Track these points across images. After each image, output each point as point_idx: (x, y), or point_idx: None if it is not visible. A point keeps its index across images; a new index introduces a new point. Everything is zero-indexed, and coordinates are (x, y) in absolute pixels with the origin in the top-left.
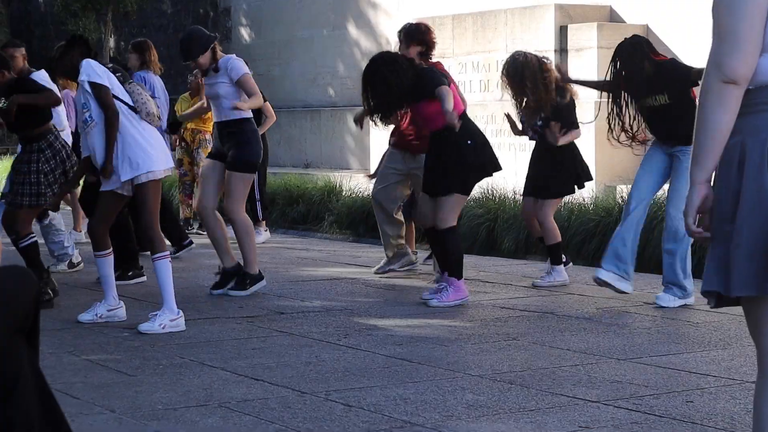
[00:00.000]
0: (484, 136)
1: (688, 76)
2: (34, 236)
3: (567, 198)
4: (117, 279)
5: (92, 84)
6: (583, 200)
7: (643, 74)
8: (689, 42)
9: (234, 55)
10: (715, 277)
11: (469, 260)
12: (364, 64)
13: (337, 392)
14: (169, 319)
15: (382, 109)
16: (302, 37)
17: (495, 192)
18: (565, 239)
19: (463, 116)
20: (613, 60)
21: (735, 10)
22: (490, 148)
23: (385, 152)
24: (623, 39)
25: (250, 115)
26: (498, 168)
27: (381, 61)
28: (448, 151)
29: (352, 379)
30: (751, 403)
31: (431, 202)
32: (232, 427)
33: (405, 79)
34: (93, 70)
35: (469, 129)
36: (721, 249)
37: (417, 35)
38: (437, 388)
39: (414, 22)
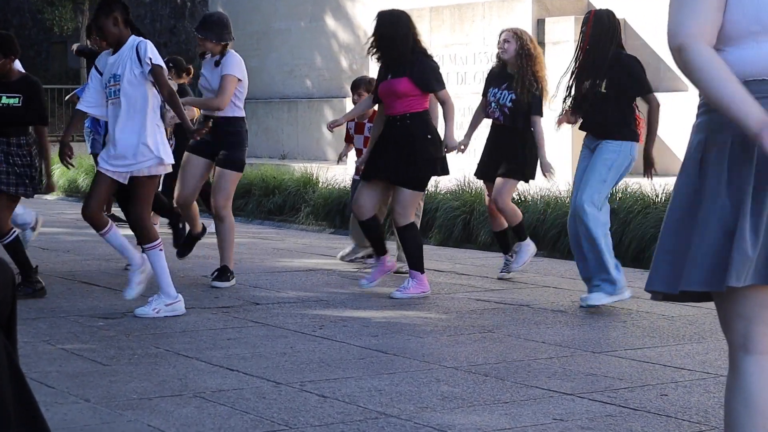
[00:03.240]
0: (439, 134)
1: (640, 83)
2: (15, 231)
3: (543, 191)
4: None
5: (156, 65)
6: (560, 193)
7: (606, 56)
8: (666, 36)
9: (234, 53)
10: (664, 276)
11: (444, 252)
12: (341, 56)
13: (312, 383)
14: (164, 304)
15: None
16: (280, 29)
17: (471, 185)
18: (541, 232)
19: (425, 112)
20: (586, 28)
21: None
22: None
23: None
24: (599, 10)
25: (243, 113)
26: (447, 171)
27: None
28: (411, 141)
29: (327, 370)
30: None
31: (374, 191)
32: (207, 417)
33: (406, 44)
34: (156, 52)
35: (430, 123)
36: (678, 247)
37: None
38: (412, 379)
39: None
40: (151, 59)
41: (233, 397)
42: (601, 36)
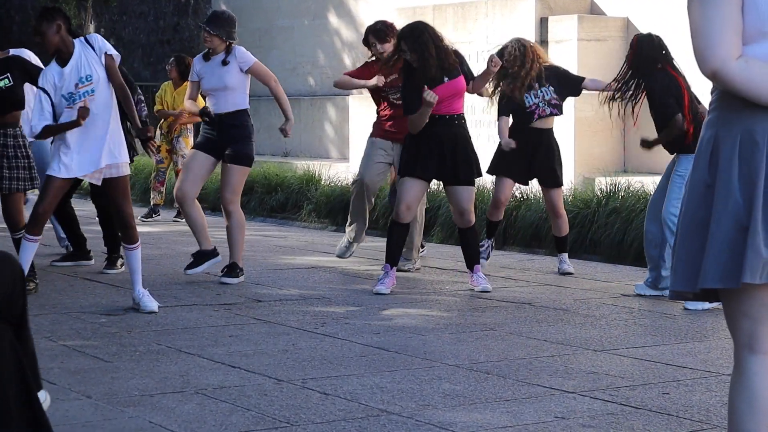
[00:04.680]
0: None
1: (662, 108)
2: None
3: None
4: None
5: (109, 55)
6: (563, 192)
7: (646, 79)
8: (669, 35)
9: (241, 47)
10: (684, 275)
11: (447, 250)
12: (344, 54)
13: (314, 380)
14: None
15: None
16: (283, 26)
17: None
18: (543, 231)
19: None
20: (630, 53)
21: (706, 8)
22: None
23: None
24: (640, 36)
25: (248, 106)
26: (480, 173)
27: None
28: (467, 140)
29: (328, 368)
30: (727, 396)
31: (421, 192)
32: (209, 414)
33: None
34: (106, 43)
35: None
36: (694, 244)
37: (388, 32)
38: (414, 377)
39: (377, 21)
40: (106, 52)
41: (235, 394)
42: (641, 61)
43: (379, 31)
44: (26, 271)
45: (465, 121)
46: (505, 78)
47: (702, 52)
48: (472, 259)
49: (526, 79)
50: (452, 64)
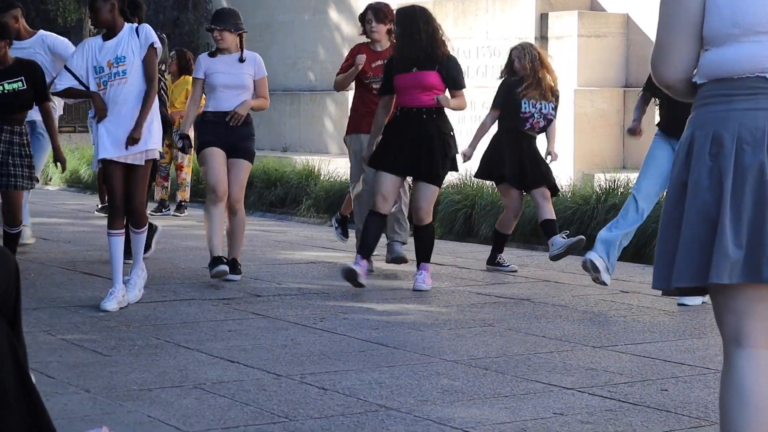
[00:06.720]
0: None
1: None
2: (21, 227)
3: None
4: None
5: (153, 48)
6: (561, 188)
7: None
8: None
9: (258, 54)
10: (661, 273)
11: (446, 246)
12: (344, 49)
13: (313, 375)
14: (142, 278)
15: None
16: (283, 21)
17: (472, 179)
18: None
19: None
20: None
21: (665, 20)
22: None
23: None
24: None
25: None
26: (458, 168)
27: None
28: (439, 137)
29: (327, 363)
30: None
31: (396, 184)
32: (207, 408)
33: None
34: (156, 37)
35: (449, 120)
36: (670, 243)
37: (388, 14)
38: (412, 372)
39: (380, 2)
40: (153, 43)
41: (233, 389)
42: None
43: (379, 11)
44: (119, 272)
45: (438, 116)
46: (519, 83)
47: (657, 70)
48: (420, 257)
49: (538, 84)
50: (432, 55)
